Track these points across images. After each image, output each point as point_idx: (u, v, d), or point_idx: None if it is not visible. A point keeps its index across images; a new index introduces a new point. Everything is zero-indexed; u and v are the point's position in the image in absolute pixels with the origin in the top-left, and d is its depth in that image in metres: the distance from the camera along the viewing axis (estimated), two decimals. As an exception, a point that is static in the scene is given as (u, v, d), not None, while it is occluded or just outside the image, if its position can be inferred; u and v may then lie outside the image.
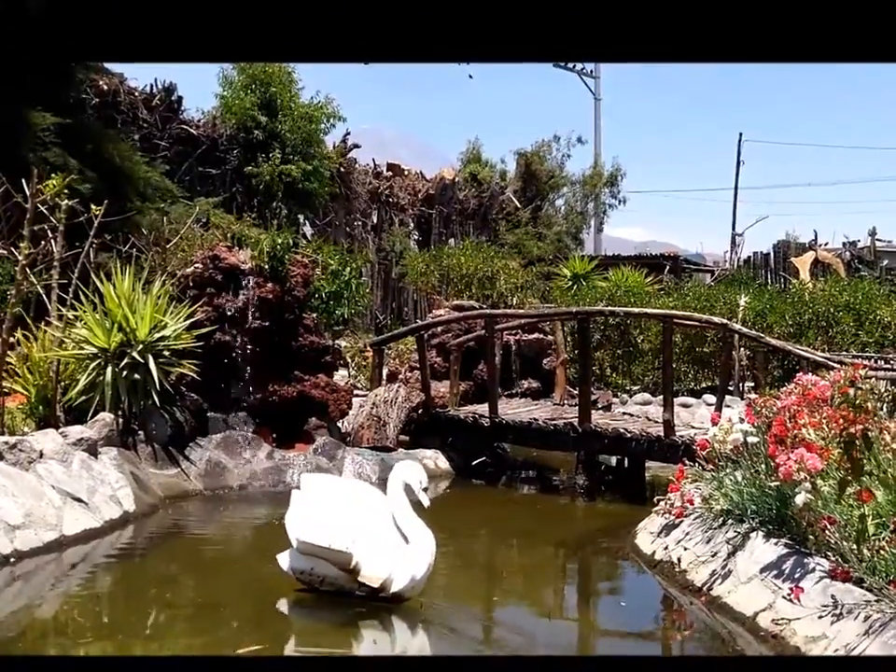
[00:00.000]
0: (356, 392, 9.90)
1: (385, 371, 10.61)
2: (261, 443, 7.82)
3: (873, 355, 11.34)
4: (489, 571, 6.03)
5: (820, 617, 3.73)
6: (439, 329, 10.97)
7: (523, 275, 16.54)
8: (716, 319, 8.76)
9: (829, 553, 4.04)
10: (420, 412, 9.16)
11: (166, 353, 7.25)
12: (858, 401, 4.13)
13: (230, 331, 8.08)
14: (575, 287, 16.72)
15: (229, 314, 8.09)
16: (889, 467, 4.31)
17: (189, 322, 7.46)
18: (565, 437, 8.20)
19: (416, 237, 21.98)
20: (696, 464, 5.48)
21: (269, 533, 6.58)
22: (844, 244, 23.35)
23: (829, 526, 3.90)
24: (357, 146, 19.79)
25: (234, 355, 8.11)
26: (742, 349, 11.67)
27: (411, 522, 4.41)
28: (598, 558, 6.22)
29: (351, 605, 4.39)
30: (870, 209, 63.64)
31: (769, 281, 20.64)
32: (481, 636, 4.56)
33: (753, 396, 5.17)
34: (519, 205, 23.43)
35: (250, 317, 8.17)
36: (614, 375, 13.45)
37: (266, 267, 8.41)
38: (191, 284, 8.16)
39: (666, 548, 5.29)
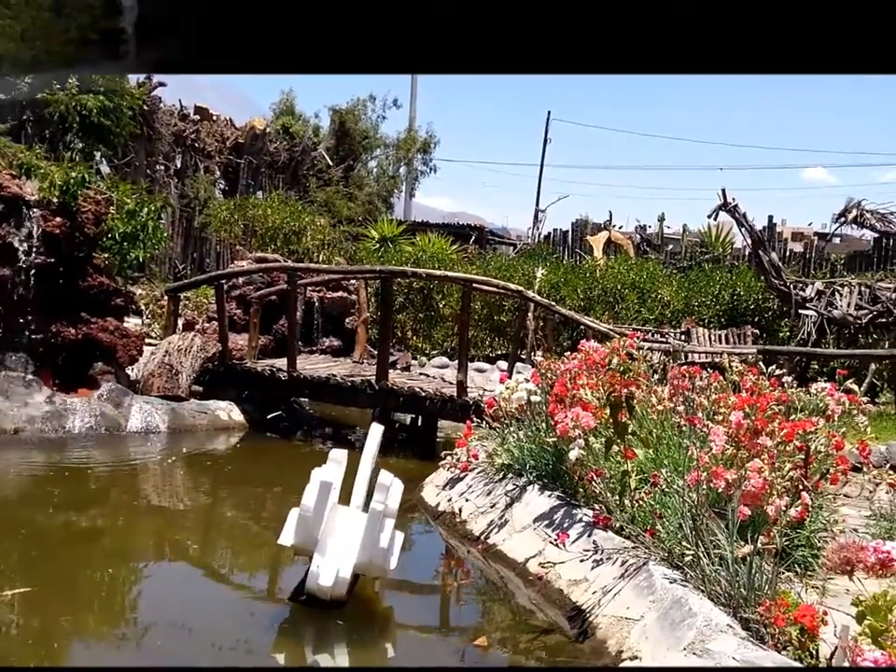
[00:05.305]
0: (148, 341, 9.54)
1: (181, 321, 10.27)
2: (41, 386, 7.39)
3: (651, 329, 12.17)
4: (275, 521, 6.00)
5: (582, 561, 4.02)
6: (240, 280, 10.74)
7: (330, 233, 16.41)
8: (512, 286, 9.08)
9: (596, 505, 4.34)
10: (216, 363, 8.96)
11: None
12: (623, 368, 4.44)
13: (9, 266, 7.59)
14: (382, 249, 16.77)
15: (9, 247, 7.57)
16: (655, 427, 4.69)
17: (-38, 252, 6.94)
18: (361, 393, 8.29)
19: (223, 186, 21.20)
20: (484, 422, 5.71)
21: (42, 479, 6.27)
22: (636, 227, 24.78)
23: (595, 478, 4.18)
24: (162, 84, 18.75)
25: (13, 291, 7.62)
26: (536, 319, 12.19)
27: None
28: (385, 511, 6.33)
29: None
30: (661, 196, 68.16)
31: (566, 257, 21.52)
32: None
33: (540, 359, 5.42)
34: (331, 163, 23.14)
35: (33, 252, 7.69)
36: (415, 339, 13.68)
37: (55, 201, 7.91)
38: (-33, 212, 7.57)
39: (450, 500, 5.50)
